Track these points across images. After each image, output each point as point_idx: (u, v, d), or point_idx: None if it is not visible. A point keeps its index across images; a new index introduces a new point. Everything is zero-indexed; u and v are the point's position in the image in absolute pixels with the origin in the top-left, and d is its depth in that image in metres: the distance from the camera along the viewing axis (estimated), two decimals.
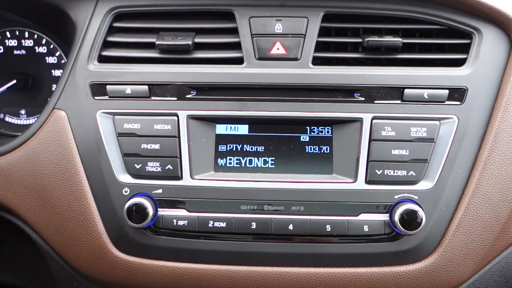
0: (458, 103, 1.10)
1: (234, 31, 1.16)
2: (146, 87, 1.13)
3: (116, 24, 1.19)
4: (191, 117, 1.12)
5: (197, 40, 1.16)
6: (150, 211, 1.06)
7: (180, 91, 1.13)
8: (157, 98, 1.13)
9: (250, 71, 1.13)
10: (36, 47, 1.48)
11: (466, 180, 1.08)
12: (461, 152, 1.08)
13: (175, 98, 1.13)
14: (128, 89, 1.13)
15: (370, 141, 1.09)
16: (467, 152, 1.09)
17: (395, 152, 1.08)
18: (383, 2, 1.15)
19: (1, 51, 1.49)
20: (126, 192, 1.10)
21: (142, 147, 1.10)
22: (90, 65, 1.16)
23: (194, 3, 1.18)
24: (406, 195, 1.07)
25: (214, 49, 1.17)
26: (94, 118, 1.12)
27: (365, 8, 1.16)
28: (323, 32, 1.16)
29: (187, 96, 1.13)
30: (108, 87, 1.14)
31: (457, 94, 1.10)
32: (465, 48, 1.15)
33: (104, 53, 1.18)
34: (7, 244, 1.42)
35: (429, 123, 1.09)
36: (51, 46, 1.48)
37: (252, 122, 1.13)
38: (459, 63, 1.14)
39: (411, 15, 1.15)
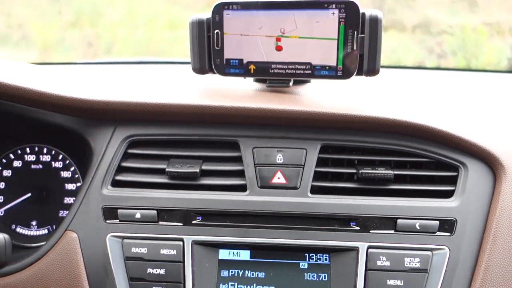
0: (449, 234, 1.16)
1: (239, 160, 1.26)
2: (155, 212, 1.20)
3: (130, 151, 1.30)
4: (195, 243, 1.17)
5: (204, 167, 1.26)
6: None
7: (186, 216, 1.20)
8: (165, 223, 1.20)
9: (252, 199, 1.21)
10: (53, 162, 1.58)
11: None
12: (454, 283, 1.12)
13: (181, 224, 1.19)
14: (138, 214, 1.21)
15: (366, 270, 1.13)
16: (459, 283, 1.12)
17: (390, 282, 1.12)
18: (375, 136, 1.26)
19: (20, 165, 1.58)
20: None
21: (148, 271, 1.15)
22: (104, 189, 1.24)
23: (202, 133, 1.29)
24: None
25: (220, 176, 1.26)
26: (104, 242, 1.18)
27: (359, 141, 1.27)
28: (320, 162, 1.26)
29: (192, 221, 1.20)
30: (119, 211, 1.21)
31: (447, 225, 1.17)
32: (453, 180, 1.23)
33: (118, 177, 1.27)
34: None
35: (422, 254, 1.14)
36: (67, 162, 1.57)
37: (253, 248, 1.19)
38: (448, 194, 1.22)
39: (401, 148, 1.26)
